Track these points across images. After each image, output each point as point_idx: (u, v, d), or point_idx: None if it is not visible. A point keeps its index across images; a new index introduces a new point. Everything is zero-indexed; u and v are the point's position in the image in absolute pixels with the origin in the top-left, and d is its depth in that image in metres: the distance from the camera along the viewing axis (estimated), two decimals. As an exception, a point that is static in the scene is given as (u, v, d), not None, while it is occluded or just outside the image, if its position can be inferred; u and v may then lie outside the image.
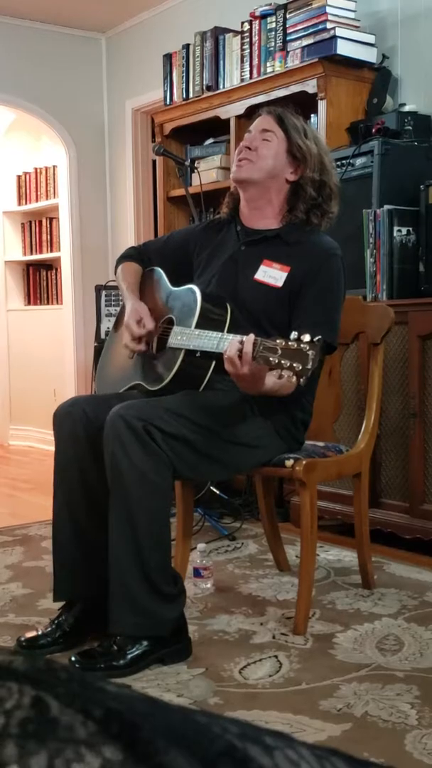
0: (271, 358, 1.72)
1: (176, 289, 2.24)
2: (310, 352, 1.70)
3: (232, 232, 2.28)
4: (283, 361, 1.71)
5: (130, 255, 2.46)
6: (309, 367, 1.70)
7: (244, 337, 1.81)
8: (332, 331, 2.11)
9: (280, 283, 2.13)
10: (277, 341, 1.74)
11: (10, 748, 0.45)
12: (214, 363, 2.03)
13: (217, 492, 3.33)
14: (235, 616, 2.30)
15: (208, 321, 2.08)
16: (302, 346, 1.71)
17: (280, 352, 1.72)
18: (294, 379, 1.72)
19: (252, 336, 1.79)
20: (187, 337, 2.05)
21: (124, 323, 2.26)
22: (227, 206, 2.33)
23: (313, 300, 2.11)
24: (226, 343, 1.91)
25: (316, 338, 1.72)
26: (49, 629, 2.09)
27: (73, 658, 1.94)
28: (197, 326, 2.06)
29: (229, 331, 2.06)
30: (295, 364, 1.70)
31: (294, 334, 1.74)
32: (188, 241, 2.36)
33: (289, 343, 1.72)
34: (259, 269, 2.16)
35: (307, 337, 1.72)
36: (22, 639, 2.08)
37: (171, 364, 2.09)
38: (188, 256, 2.34)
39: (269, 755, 0.49)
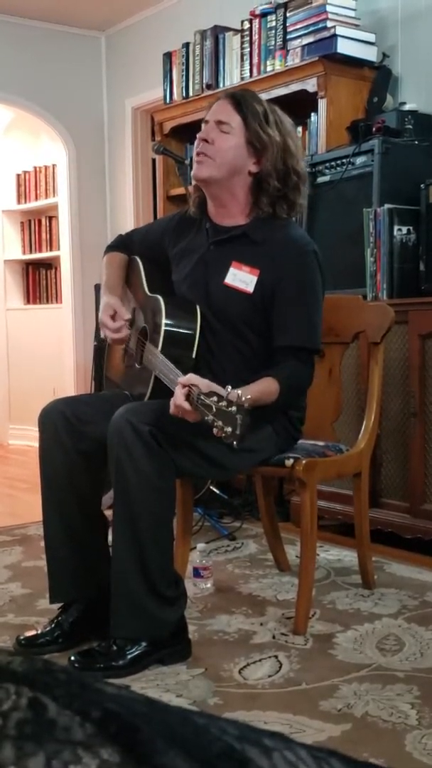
0: (206, 417, 1.71)
1: (149, 295, 2.22)
2: (238, 417, 1.68)
3: (202, 229, 2.21)
4: (216, 423, 1.69)
5: (115, 245, 2.43)
6: (237, 432, 1.67)
7: (185, 387, 1.78)
8: (313, 334, 2.08)
9: (250, 288, 2.07)
10: (212, 398, 1.71)
11: (7, 750, 0.44)
12: None
13: (217, 492, 3.33)
14: (235, 616, 2.29)
15: (175, 340, 2.07)
16: (231, 409, 1.68)
17: (214, 410, 1.70)
18: (229, 442, 1.69)
19: (184, 391, 1.77)
20: (155, 360, 2.05)
21: (99, 321, 2.26)
22: (194, 203, 2.24)
23: (289, 304, 2.06)
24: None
25: (246, 397, 1.69)
26: (48, 629, 2.08)
27: (72, 658, 1.93)
28: (163, 349, 2.05)
29: (206, 343, 2.09)
30: (227, 428, 1.68)
31: (229, 388, 1.72)
32: (163, 236, 2.31)
33: (221, 403, 1.70)
34: (229, 272, 2.10)
35: (237, 393, 1.69)
36: (21, 638, 2.08)
37: (146, 382, 2.10)
38: (164, 249, 2.30)
39: (268, 757, 0.48)
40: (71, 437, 2.05)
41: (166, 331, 2.06)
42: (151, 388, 2.06)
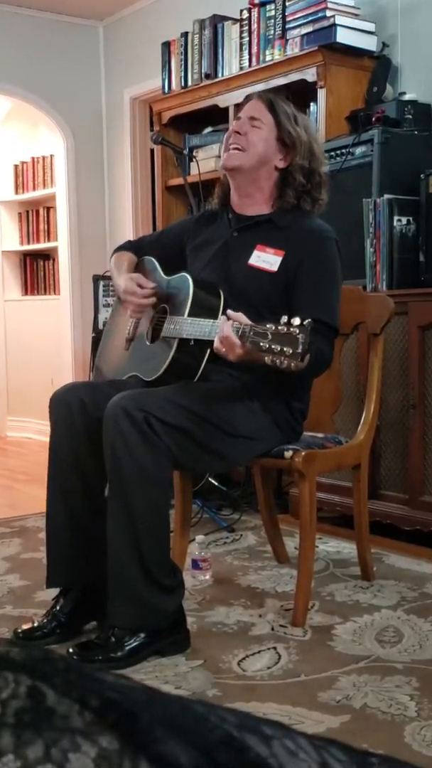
0: (261, 344, 1.71)
1: (169, 277, 2.23)
2: (300, 336, 1.68)
3: (224, 220, 2.27)
4: (273, 346, 1.69)
5: (124, 246, 2.47)
6: (299, 350, 1.68)
7: (233, 322, 1.79)
8: (332, 314, 2.10)
9: (275, 268, 2.12)
10: (267, 326, 1.72)
11: (6, 738, 0.44)
12: (208, 352, 2.02)
13: (216, 483, 3.33)
14: (234, 608, 2.29)
15: (201, 308, 2.07)
16: (292, 330, 1.68)
17: (270, 336, 1.70)
18: (287, 364, 1.69)
19: (240, 322, 1.78)
20: (180, 325, 2.05)
21: (123, 293, 2.23)
22: (217, 196, 2.32)
23: (310, 285, 2.09)
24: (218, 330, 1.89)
25: (306, 321, 1.70)
26: (45, 620, 2.08)
27: (70, 650, 1.93)
28: (190, 314, 2.05)
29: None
30: (285, 348, 1.68)
31: (284, 318, 1.72)
32: (182, 233, 2.36)
33: (279, 327, 1.70)
34: (253, 254, 2.15)
35: (297, 321, 1.70)
36: (19, 631, 2.08)
37: (165, 355, 2.08)
38: (182, 248, 2.33)
39: (267, 745, 0.48)
40: (84, 422, 2.05)
41: (192, 299, 2.06)
42: (172, 355, 2.05)
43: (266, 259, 2.13)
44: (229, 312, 1.83)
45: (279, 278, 2.11)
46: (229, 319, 1.80)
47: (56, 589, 2.14)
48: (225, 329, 1.79)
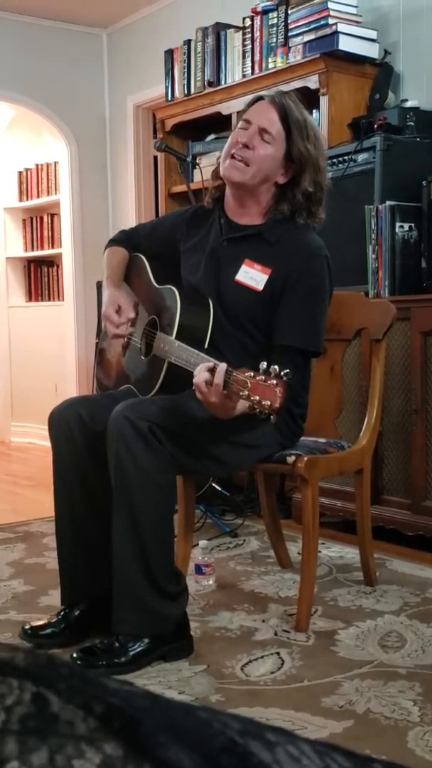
0: (241, 393, 1.68)
1: (158, 287, 2.21)
2: (277, 389, 1.65)
3: (215, 224, 2.21)
4: (253, 397, 1.67)
5: (118, 239, 2.43)
6: (277, 405, 1.65)
7: (216, 365, 1.76)
8: (315, 338, 2.08)
9: (260, 286, 2.08)
10: (247, 374, 1.68)
11: (10, 745, 0.44)
12: None
13: (219, 488, 3.33)
14: (237, 613, 2.30)
15: (188, 331, 2.05)
16: (270, 382, 1.66)
17: (250, 386, 1.67)
18: (265, 413, 1.67)
19: (223, 367, 1.74)
20: (169, 347, 2.03)
21: (102, 313, 2.24)
22: (211, 196, 2.25)
23: (295, 305, 2.06)
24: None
25: (284, 372, 1.66)
26: (55, 620, 2.10)
27: (74, 655, 1.94)
28: (177, 335, 2.03)
29: (211, 337, 2.07)
30: (264, 402, 1.66)
31: (263, 365, 1.68)
32: (175, 228, 2.31)
33: (259, 378, 1.67)
34: (240, 270, 2.10)
35: (275, 370, 1.66)
36: (27, 627, 2.09)
37: (157, 373, 2.08)
38: (175, 243, 2.29)
39: (270, 751, 0.48)
40: (85, 438, 2.05)
41: (180, 320, 2.05)
42: (162, 376, 2.05)
43: (253, 276, 2.09)
44: (217, 365, 1.78)
45: (265, 298, 2.07)
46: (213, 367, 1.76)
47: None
48: (217, 375, 1.74)
